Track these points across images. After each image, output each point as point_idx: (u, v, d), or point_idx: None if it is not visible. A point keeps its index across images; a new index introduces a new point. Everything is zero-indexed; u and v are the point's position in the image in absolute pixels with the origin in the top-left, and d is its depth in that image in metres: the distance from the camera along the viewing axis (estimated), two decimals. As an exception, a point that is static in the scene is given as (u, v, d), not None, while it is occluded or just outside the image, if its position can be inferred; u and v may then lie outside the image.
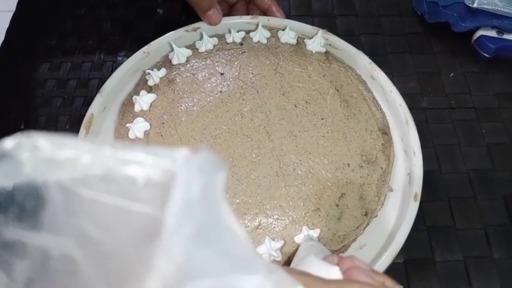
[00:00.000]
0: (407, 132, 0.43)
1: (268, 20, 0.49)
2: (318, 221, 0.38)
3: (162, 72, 0.45)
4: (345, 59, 0.48)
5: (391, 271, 0.40)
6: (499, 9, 0.49)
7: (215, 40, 0.48)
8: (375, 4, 0.55)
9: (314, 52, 0.47)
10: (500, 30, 0.50)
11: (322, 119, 0.42)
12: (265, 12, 0.49)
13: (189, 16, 0.55)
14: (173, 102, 0.43)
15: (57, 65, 0.53)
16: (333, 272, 0.25)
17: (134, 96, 0.43)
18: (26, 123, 0.48)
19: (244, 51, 0.46)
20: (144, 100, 0.43)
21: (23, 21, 0.56)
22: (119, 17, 0.56)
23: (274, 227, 0.38)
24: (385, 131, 0.43)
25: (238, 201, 0.38)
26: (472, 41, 0.51)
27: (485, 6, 0.49)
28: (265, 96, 0.43)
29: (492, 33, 0.50)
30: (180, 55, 0.46)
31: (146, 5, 0.57)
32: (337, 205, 0.39)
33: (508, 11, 0.48)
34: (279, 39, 0.48)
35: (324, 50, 0.47)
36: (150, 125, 0.42)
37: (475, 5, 0.49)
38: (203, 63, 0.46)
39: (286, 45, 0.47)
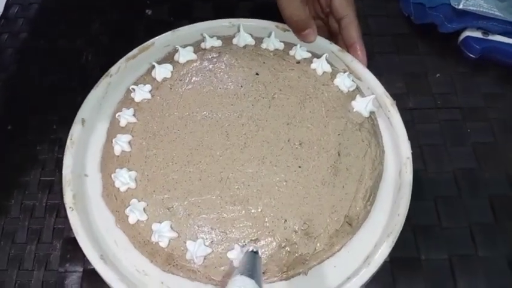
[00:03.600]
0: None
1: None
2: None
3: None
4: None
5: (378, 270, 0.40)
6: (484, 10, 0.49)
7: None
8: (362, 5, 0.56)
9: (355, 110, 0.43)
10: (486, 31, 0.50)
11: (299, 167, 0.39)
12: (348, 48, 0.46)
13: (177, 17, 0.55)
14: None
15: (46, 68, 0.53)
16: None
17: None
18: (14, 124, 0.48)
19: (293, 69, 0.45)
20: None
21: (11, 23, 0.56)
22: (107, 18, 0.56)
23: (214, 235, 0.37)
24: (350, 223, 0.38)
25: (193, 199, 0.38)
26: (458, 41, 0.52)
27: (471, 8, 0.50)
28: (272, 114, 0.42)
29: (478, 34, 0.51)
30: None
31: (135, 6, 0.57)
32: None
33: (493, 12, 0.49)
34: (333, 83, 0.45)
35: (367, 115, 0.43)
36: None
37: (460, 7, 0.50)
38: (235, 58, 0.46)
39: (336, 88, 0.44)
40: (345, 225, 0.38)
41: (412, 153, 0.41)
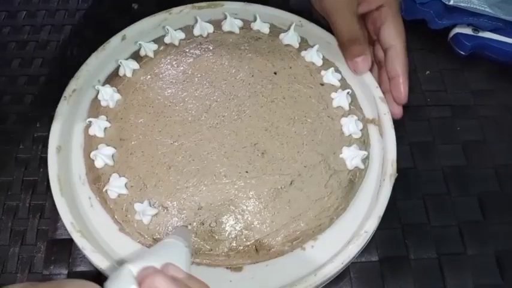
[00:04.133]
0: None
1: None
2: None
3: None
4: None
5: (366, 269, 0.40)
6: (474, 7, 0.49)
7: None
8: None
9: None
10: (476, 28, 0.50)
11: (246, 172, 0.38)
12: (390, 80, 0.43)
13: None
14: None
15: (29, 61, 0.51)
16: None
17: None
18: (-4, 120, 0.47)
19: (311, 87, 0.44)
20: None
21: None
22: (92, 12, 0.55)
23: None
24: (258, 249, 0.37)
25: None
26: (448, 38, 0.52)
27: (461, 4, 0.49)
28: (259, 113, 0.41)
29: (468, 31, 0.50)
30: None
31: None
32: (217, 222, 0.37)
33: (483, 8, 0.49)
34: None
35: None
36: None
37: (451, 3, 0.50)
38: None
39: (338, 126, 0.42)
40: (251, 248, 0.37)
41: (402, 152, 0.41)
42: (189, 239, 0.35)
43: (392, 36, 0.43)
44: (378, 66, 0.45)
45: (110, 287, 0.24)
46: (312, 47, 0.45)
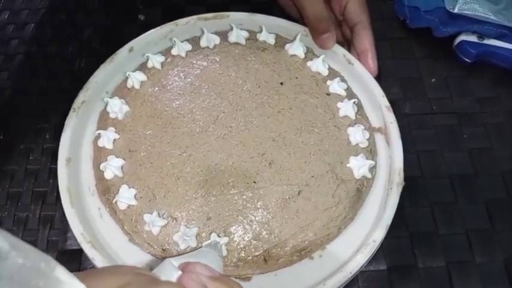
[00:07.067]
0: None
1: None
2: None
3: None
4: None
5: (375, 278, 0.40)
6: (479, 14, 0.49)
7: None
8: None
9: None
10: (481, 35, 0.50)
11: (254, 182, 0.39)
12: (359, 55, 0.45)
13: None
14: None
15: (38, 75, 0.52)
16: (173, 276, 0.26)
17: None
18: (6, 133, 0.48)
19: (317, 97, 0.44)
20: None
21: (2, 29, 0.56)
22: (99, 23, 0.56)
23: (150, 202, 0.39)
24: (267, 260, 0.37)
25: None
26: (453, 46, 0.52)
27: (466, 12, 0.49)
28: (266, 124, 0.42)
29: (473, 38, 0.50)
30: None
31: (127, 11, 0.56)
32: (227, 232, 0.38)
33: (487, 16, 0.49)
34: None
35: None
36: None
37: (456, 10, 0.50)
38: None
39: (345, 136, 0.42)
40: (260, 258, 0.37)
41: (409, 160, 0.41)
42: (222, 253, 0.36)
43: (358, 12, 0.45)
44: (348, 45, 0.47)
45: (156, 273, 0.27)
46: (318, 57, 0.45)
